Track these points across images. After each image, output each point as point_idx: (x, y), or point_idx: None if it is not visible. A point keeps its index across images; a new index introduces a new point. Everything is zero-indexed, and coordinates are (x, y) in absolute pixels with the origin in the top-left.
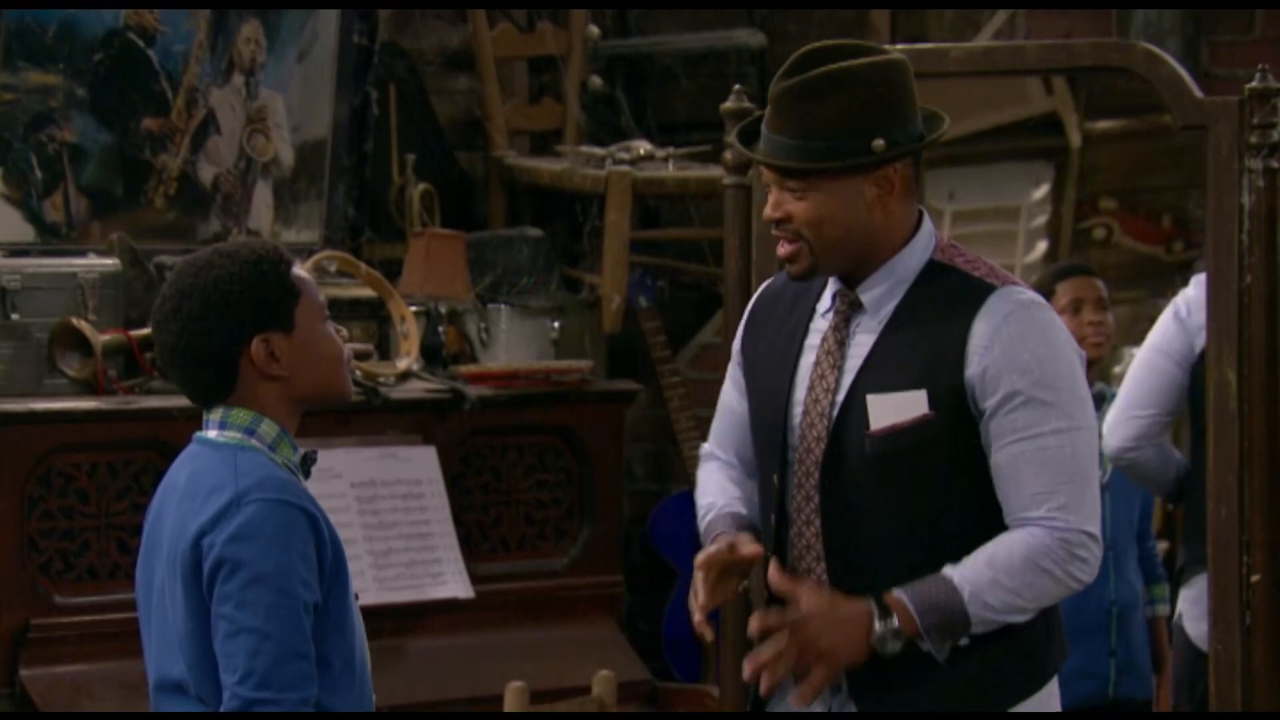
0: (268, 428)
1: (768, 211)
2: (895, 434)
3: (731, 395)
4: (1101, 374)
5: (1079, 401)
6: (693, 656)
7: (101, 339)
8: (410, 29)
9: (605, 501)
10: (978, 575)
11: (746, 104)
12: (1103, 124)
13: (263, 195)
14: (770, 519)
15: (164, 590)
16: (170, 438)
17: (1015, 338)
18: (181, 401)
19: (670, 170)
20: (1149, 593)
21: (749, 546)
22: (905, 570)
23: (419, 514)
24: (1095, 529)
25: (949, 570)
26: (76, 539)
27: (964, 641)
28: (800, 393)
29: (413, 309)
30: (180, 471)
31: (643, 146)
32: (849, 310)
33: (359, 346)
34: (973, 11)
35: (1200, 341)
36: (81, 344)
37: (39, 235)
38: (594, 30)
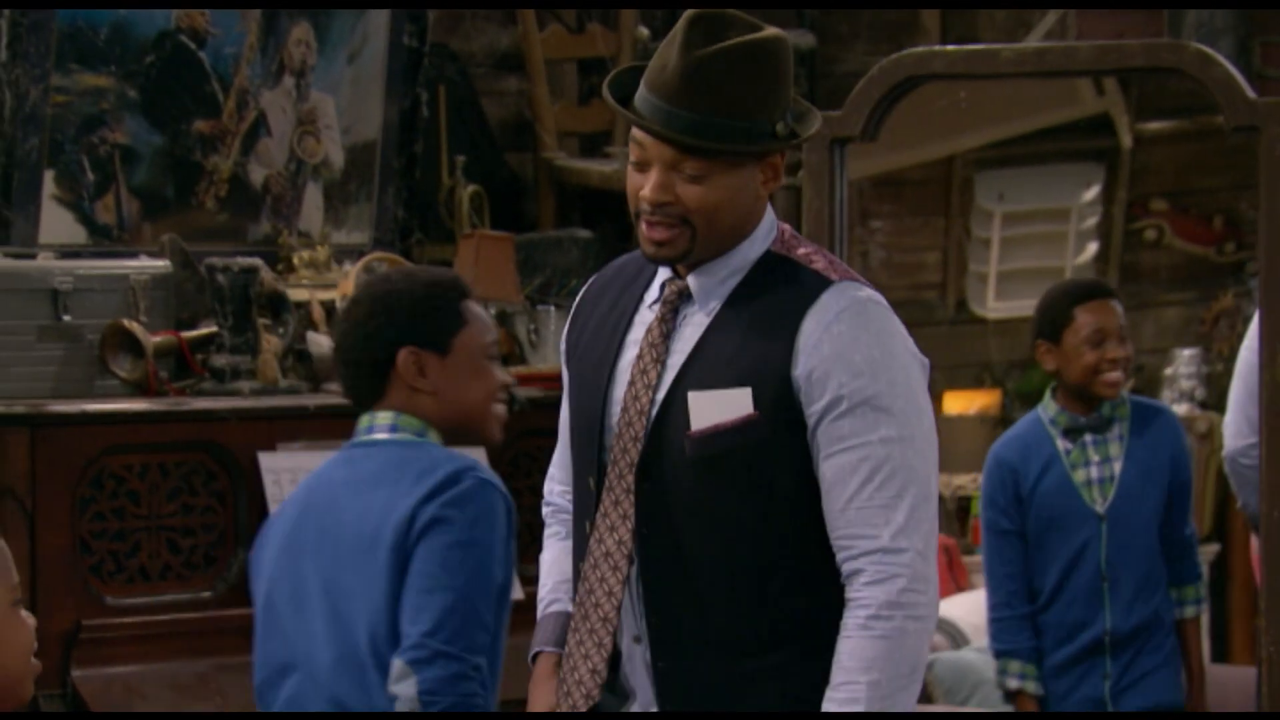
0: (435, 436)
1: (652, 193)
2: (717, 435)
3: (565, 407)
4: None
5: (915, 411)
6: None
7: (153, 340)
8: (460, 31)
9: None
10: (854, 696)
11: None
12: (1154, 125)
13: (313, 197)
14: (585, 527)
15: (337, 576)
16: (221, 439)
17: (847, 337)
18: (231, 403)
19: None
20: (1179, 594)
21: None
22: (725, 581)
23: None
24: (928, 547)
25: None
26: (128, 540)
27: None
28: (619, 390)
29: None
30: (352, 469)
31: None
32: (677, 299)
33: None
34: (1024, 12)
35: None
36: (133, 345)
37: (91, 237)
38: (644, 31)
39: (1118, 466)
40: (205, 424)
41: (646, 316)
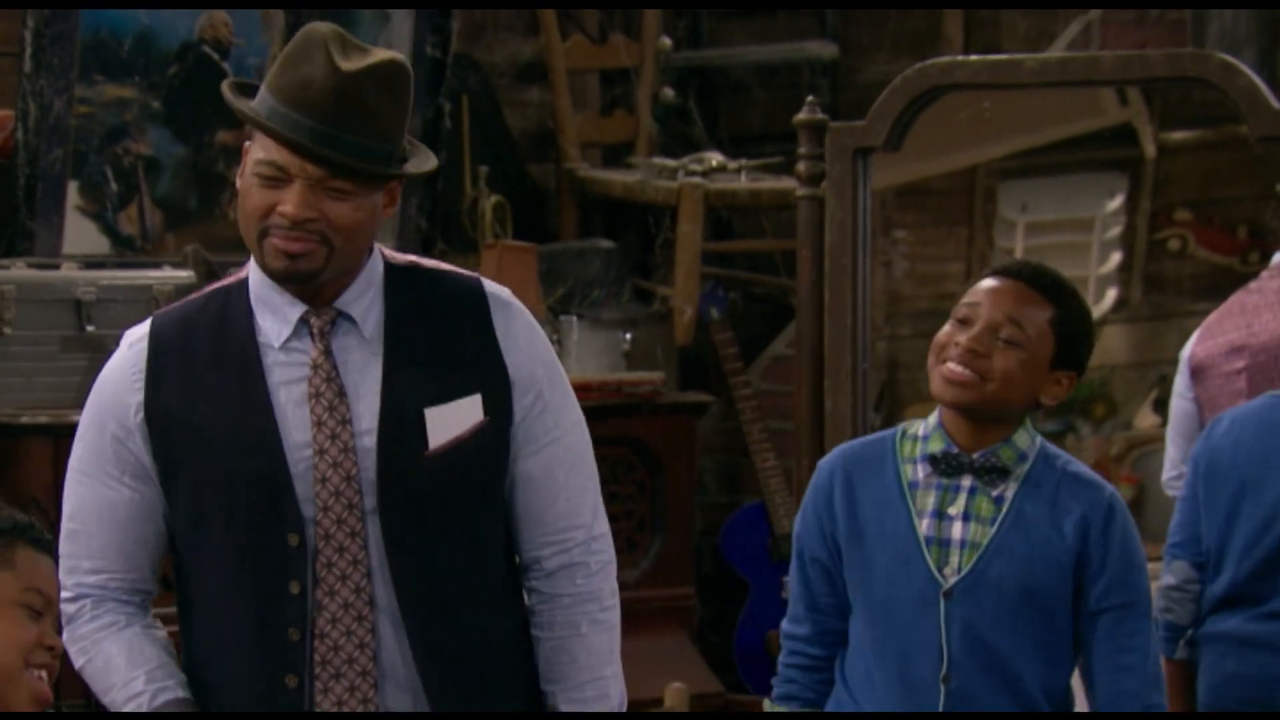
0: None
1: (296, 210)
2: (456, 448)
3: (108, 489)
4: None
5: (574, 395)
6: (765, 668)
7: None
8: (483, 41)
9: (677, 513)
10: (604, 692)
11: (820, 115)
12: (1178, 134)
13: None
14: (287, 588)
15: None
16: None
17: (529, 331)
18: None
19: (743, 182)
20: None
21: None
22: (480, 595)
23: None
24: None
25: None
26: None
27: None
28: (300, 435)
29: None
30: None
31: (715, 158)
32: (329, 329)
33: None
34: (1047, 22)
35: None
36: None
37: (114, 247)
38: (666, 42)
39: None
40: None
41: (283, 358)
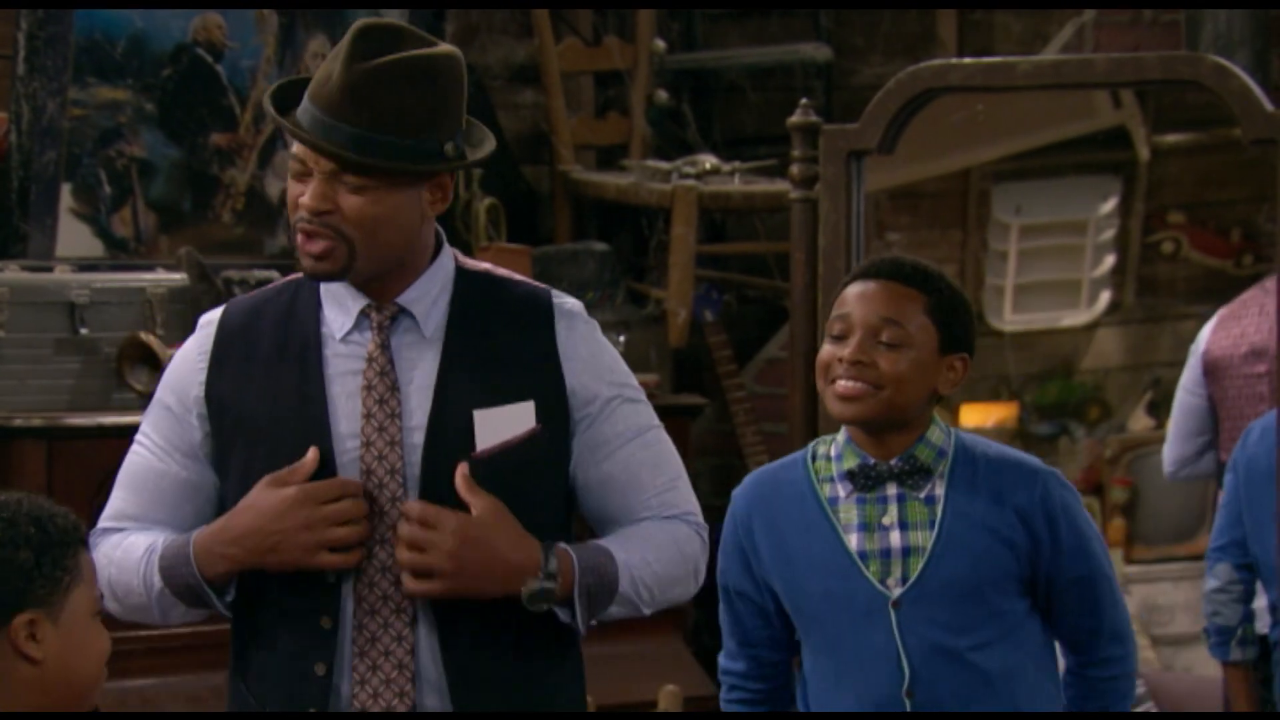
0: None
1: (311, 200)
2: (505, 452)
3: (158, 461)
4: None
5: (647, 399)
6: None
7: (169, 353)
8: (477, 43)
9: None
10: (629, 550)
11: (813, 118)
12: (1171, 137)
13: None
14: (324, 576)
15: None
16: None
17: (592, 342)
18: None
19: (736, 184)
20: None
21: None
22: (506, 606)
23: None
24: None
25: (606, 541)
26: None
27: (593, 623)
28: (348, 425)
29: None
30: None
31: (709, 160)
32: (389, 324)
33: None
34: (1041, 24)
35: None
36: (149, 358)
37: (108, 250)
38: (660, 44)
39: None
40: None
41: (343, 349)
